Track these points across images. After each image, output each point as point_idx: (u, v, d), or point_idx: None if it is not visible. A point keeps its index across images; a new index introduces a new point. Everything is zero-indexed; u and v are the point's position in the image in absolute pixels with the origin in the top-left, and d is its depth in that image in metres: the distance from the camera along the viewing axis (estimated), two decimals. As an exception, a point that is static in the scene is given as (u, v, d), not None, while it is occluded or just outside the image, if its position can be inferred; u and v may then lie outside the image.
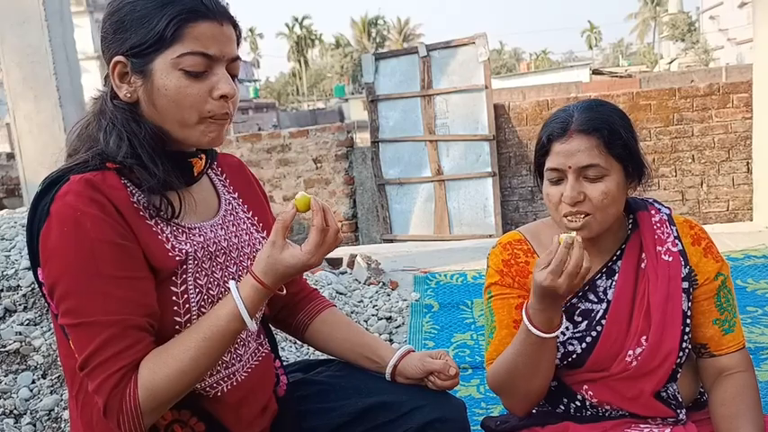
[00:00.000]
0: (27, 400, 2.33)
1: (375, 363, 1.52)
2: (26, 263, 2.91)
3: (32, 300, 2.77)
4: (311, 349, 2.76)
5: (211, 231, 1.35)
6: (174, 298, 1.24)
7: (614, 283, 1.56)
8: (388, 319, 3.55)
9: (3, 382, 2.39)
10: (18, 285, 2.86)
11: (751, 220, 6.31)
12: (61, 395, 2.34)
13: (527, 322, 1.45)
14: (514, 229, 1.71)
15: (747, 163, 7.15)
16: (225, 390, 1.34)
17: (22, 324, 2.67)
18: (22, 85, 4.97)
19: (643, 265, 1.55)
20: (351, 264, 4.37)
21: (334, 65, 72.86)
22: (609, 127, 1.48)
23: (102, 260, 1.15)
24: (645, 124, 7.36)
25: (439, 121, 7.84)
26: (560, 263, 1.36)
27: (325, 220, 1.23)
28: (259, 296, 1.23)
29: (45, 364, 2.46)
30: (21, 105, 4.99)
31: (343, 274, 4.20)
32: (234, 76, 1.29)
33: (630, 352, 1.51)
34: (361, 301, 3.79)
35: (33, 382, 2.41)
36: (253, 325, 1.23)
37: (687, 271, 1.54)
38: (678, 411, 1.54)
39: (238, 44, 1.30)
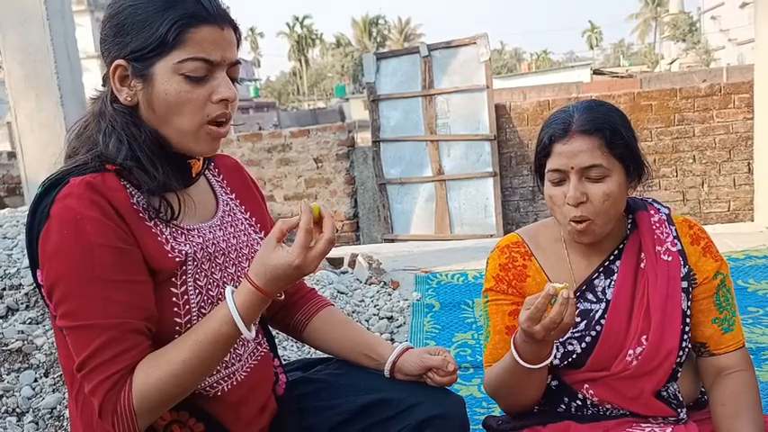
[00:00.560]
0: (29, 399, 2.33)
1: (374, 360, 1.53)
2: (28, 262, 2.91)
3: (35, 298, 2.78)
4: (312, 348, 2.76)
5: (210, 232, 1.35)
6: (174, 299, 1.24)
7: (613, 282, 1.56)
8: (390, 318, 3.55)
9: (5, 381, 2.39)
10: (20, 284, 2.86)
11: (752, 221, 6.31)
12: (63, 394, 2.34)
13: (514, 352, 1.46)
14: (514, 231, 1.72)
15: (748, 163, 7.15)
16: (225, 389, 1.35)
17: (24, 323, 2.67)
18: (24, 83, 4.97)
19: (642, 265, 1.56)
20: (352, 263, 4.37)
21: (334, 64, 72.86)
22: (610, 127, 1.48)
23: (101, 263, 1.15)
24: (646, 124, 7.36)
25: (440, 121, 7.85)
26: (538, 311, 1.36)
27: (321, 225, 1.21)
28: (253, 299, 1.20)
29: (47, 362, 2.47)
30: (22, 104, 5.00)
31: (344, 273, 4.20)
32: (234, 80, 1.29)
33: (631, 351, 1.52)
34: (363, 300, 3.79)
35: (35, 380, 2.42)
36: (246, 331, 1.20)
37: (686, 270, 1.54)
38: (679, 411, 1.54)
39: (238, 47, 1.29)
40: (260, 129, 15.82)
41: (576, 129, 1.48)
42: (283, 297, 1.41)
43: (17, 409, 2.28)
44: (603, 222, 1.50)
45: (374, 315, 3.58)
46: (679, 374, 1.55)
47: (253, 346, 1.43)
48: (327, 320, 1.61)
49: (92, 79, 2.40)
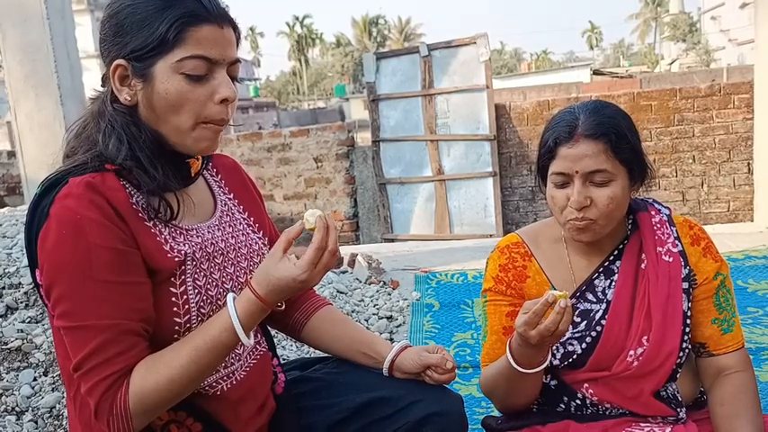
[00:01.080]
0: (29, 398, 2.33)
1: (372, 359, 1.53)
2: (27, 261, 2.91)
3: (34, 297, 2.78)
4: (311, 348, 2.76)
5: (209, 232, 1.35)
6: (173, 299, 1.24)
7: (613, 283, 1.56)
8: (389, 318, 3.55)
9: (5, 380, 2.39)
10: (20, 283, 2.86)
11: (752, 221, 6.31)
12: (62, 393, 2.34)
13: (509, 356, 1.47)
14: (514, 231, 1.71)
15: (748, 163, 7.15)
16: (224, 389, 1.35)
17: (23, 322, 2.67)
18: (24, 83, 4.97)
19: (643, 266, 1.56)
20: (351, 263, 4.37)
21: (334, 64, 72.85)
22: (616, 131, 1.47)
23: (99, 264, 1.15)
24: (645, 125, 7.36)
25: (440, 121, 7.84)
26: (536, 317, 1.36)
27: (327, 239, 1.22)
28: (253, 308, 1.21)
29: (47, 361, 2.47)
30: (22, 103, 5.00)
31: (343, 273, 4.20)
32: (233, 79, 1.29)
33: (632, 352, 1.52)
34: (362, 300, 3.79)
35: (35, 379, 2.42)
36: (246, 339, 1.20)
37: (687, 271, 1.54)
38: (678, 410, 1.54)
39: (238, 46, 1.29)
40: (260, 128, 15.82)
41: (582, 132, 1.47)
42: (283, 307, 1.42)
43: (16, 408, 2.28)
44: (606, 224, 1.50)
45: (374, 314, 3.58)
46: (678, 375, 1.55)
47: (252, 345, 1.43)
48: (326, 319, 1.61)
49: (91, 79, 2.40)
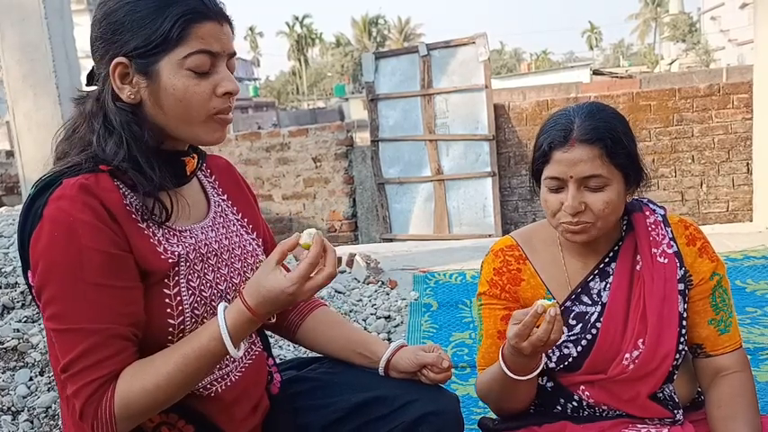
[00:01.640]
0: (24, 398, 2.33)
1: (368, 358, 1.52)
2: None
3: (30, 297, 2.76)
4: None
5: (202, 233, 1.35)
6: (167, 300, 1.24)
7: (608, 285, 1.56)
8: (387, 318, 3.55)
9: (0, 380, 2.39)
10: (16, 282, 2.86)
11: (751, 221, 6.31)
12: (58, 393, 2.34)
13: (502, 364, 1.46)
14: (510, 233, 1.71)
15: (747, 164, 7.15)
16: (219, 390, 1.34)
17: (20, 321, 2.67)
18: (22, 82, 4.96)
19: (638, 267, 1.55)
20: (350, 263, 4.37)
21: (334, 64, 72.88)
22: (612, 135, 1.46)
23: (90, 268, 1.15)
24: (645, 125, 7.36)
25: (439, 121, 7.84)
26: (526, 329, 1.36)
27: (325, 259, 1.21)
28: (242, 318, 1.20)
29: (43, 361, 2.46)
30: (20, 103, 4.99)
31: (342, 273, 4.20)
32: (231, 72, 1.30)
33: (627, 355, 1.51)
34: (360, 300, 3.79)
35: (31, 379, 2.41)
36: (234, 350, 1.19)
37: (682, 272, 1.53)
38: (675, 412, 1.54)
39: (232, 40, 1.31)
40: (259, 128, 15.83)
41: (577, 137, 1.45)
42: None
43: (12, 408, 2.28)
44: (601, 226, 1.49)
45: (372, 314, 3.57)
46: (675, 376, 1.54)
47: (247, 345, 1.43)
48: (321, 320, 1.60)
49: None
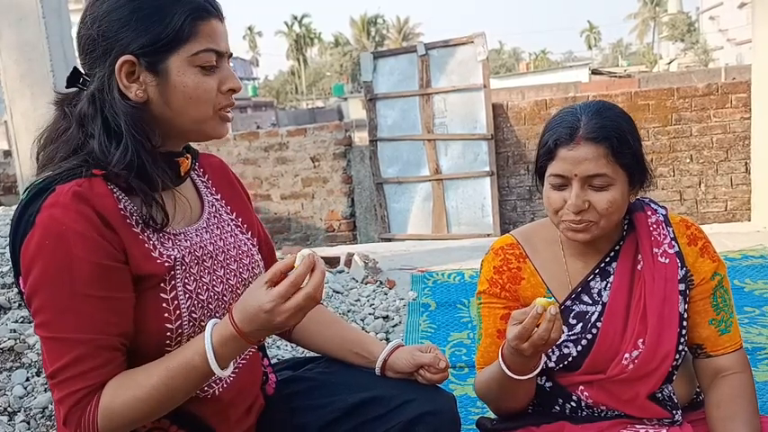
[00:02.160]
0: (21, 398, 2.32)
1: (364, 358, 1.52)
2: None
3: (26, 298, 2.76)
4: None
5: (197, 236, 1.34)
6: (164, 305, 1.23)
7: (609, 284, 1.55)
8: (385, 318, 3.54)
9: (-3, 380, 2.38)
10: (13, 283, 2.85)
11: (749, 221, 6.32)
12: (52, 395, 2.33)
13: (502, 364, 1.46)
14: (509, 232, 1.69)
15: (746, 163, 7.15)
16: (216, 392, 1.34)
17: (16, 321, 2.66)
18: (20, 82, 4.95)
19: (639, 267, 1.54)
20: (348, 262, 4.36)
21: (333, 63, 72.91)
22: (618, 135, 1.45)
23: (81, 277, 1.14)
24: (643, 124, 7.35)
25: (437, 120, 7.83)
26: (526, 331, 1.35)
27: (309, 280, 1.16)
28: (227, 334, 1.16)
29: (39, 361, 2.45)
30: (18, 103, 4.98)
31: (340, 272, 4.20)
32: None
33: (627, 355, 1.50)
34: (358, 299, 3.78)
35: (27, 379, 2.40)
36: (216, 366, 1.16)
37: (683, 273, 1.52)
38: (674, 412, 1.53)
39: None
40: (258, 128, 15.82)
41: (583, 135, 1.44)
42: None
43: (8, 409, 2.27)
44: (605, 225, 1.48)
45: (370, 314, 3.57)
46: (675, 377, 1.54)
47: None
48: (317, 319, 1.59)
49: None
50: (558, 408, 1.60)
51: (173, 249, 1.26)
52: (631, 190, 1.51)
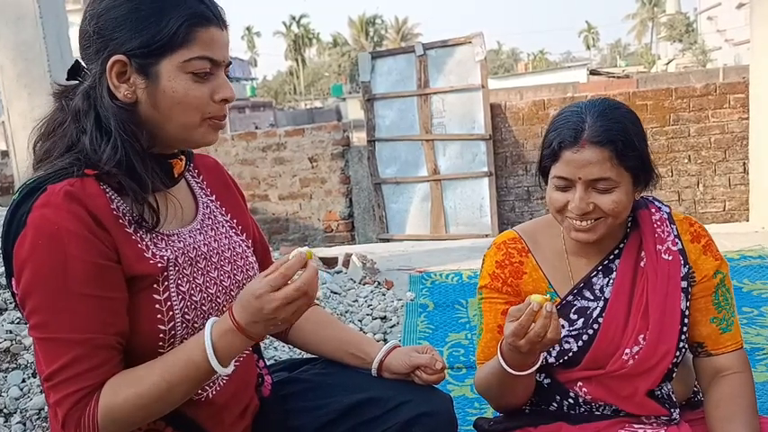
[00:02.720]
0: (17, 399, 2.31)
1: (361, 359, 1.51)
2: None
3: (22, 299, 2.75)
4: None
5: (190, 237, 1.33)
6: (157, 306, 1.22)
7: (611, 281, 1.54)
8: (383, 318, 3.54)
9: (-7, 381, 2.37)
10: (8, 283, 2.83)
11: (747, 221, 6.32)
12: (45, 398, 2.32)
13: (501, 360, 1.45)
14: (512, 228, 1.68)
15: (744, 163, 7.15)
16: (210, 395, 1.33)
17: (12, 322, 2.65)
18: (17, 82, 4.94)
19: (642, 264, 1.54)
20: (346, 263, 4.36)
21: (331, 64, 72.95)
22: (623, 138, 1.43)
23: (75, 277, 1.13)
24: (641, 124, 7.34)
25: (435, 121, 7.83)
26: (523, 328, 1.35)
27: (303, 275, 1.16)
28: (226, 327, 1.17)
29: (35, 363, 2.44)
30: (15, 103, 4.97)
31: (338, 273, 4.19)
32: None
33: (627, 350, 1.50)
34: (356, 300, 3.77)
35: (23, 381, 2.39)
36: (214, 358, 1.16)
37: (686, 270, 1.52)
38: (672, 411, 1.53)
39: None
40: (256, 128, 15.80)
41: (588, 138, 1.42)
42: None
43: (4, 410, 2.26)
44: (610, 224, 1.47)
45: (368, 315, 3.56)
46: (674, 375, 1.53)
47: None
48: (313, 320, 1.59)
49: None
50: (556, 405, 1.59)
51: (166, 250, 1.26)
52: (636, 189, 1.50)
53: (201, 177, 1.47)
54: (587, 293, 1.56)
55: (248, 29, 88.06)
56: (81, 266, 1.13)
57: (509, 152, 7.76)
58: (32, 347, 2.49)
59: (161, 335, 1.22)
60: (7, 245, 1.18)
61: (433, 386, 1.47)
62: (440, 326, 3.41)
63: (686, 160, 7.39)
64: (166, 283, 1.24)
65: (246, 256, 1.43)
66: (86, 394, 1.14)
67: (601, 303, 1.54)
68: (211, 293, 1.32)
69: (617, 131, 1.43)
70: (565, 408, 1.58)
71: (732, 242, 4.49)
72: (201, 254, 1.33)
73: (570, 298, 1.56)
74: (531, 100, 8.09)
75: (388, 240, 7.49)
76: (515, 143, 7.73)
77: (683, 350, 1.52)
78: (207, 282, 1.32)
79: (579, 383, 1.55)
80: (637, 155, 1.45)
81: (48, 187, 1.16)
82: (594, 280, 1.56)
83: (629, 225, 1.58)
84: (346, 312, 3.55)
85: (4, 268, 2.83)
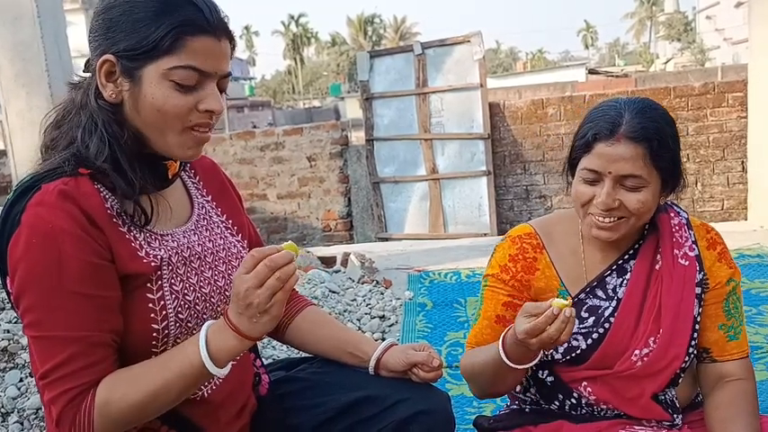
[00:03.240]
0: (14, 399, 2.31)
1: (358, 358, 1.51)
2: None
3: (19, 299, 2.74)
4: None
5: (184, 237, 1.32)
6: (150, 305, 1.22)
7: (626, 281, 1.53)
8: (382, 317, 3.54)
9: (-10, 381, 2.37)
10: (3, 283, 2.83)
11: (746, 220, 6.32)
12: (40, 397, 2.32)
13: (501, 352, 1.44)
14: (528, 222, 1.66)
15: (742, 162, 7.15)
16: (206, 394, 1.32)
17: (9, 322, 2.64)
18: (14, 82, 4.93)
19: (657, 267, 1.53)
20: (344, 262, 4.36)
21: (330, 63, 72.98)
22: (659, 137, 1.41)
23: (69, 276, 1.12)
24: (640, 123, 7.35)
25: (434, 120, 7.83)
26: (538, 329, 1.33)
27: (275, 257, 1.12)
28: (220, 323, 1.16)
29: (30, 362, 2.44)
30: (13, 102, 4.96)
31: (336, 272, 4.19)
32: (222, 90, 1.26)
33: (637, 351, 1.49)
34: (355, 299, 3.77)
35: (21, 380, 2.39)
36: (205, 351, 1.14)
37: (701, 276, 1.51)
38: (675, 416, 1.53)
39: (231, 58, 1.27)
40: (254, 127, 15.80)
41: (624, 133, 1.40)
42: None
43: (2, 410, 2.26)
44: (633, 223, 1.46)
45: (366, 314, 3.56)
46: (680, 380, 1.52)
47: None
48: (310, 319, 1.59)
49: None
50: (558, 404, 1.58)
51: (159, 250, 1.25)
52: (663, 193, 1.49)
53: (198, 178, 1.47)
54: (600, 292, 1.55)
55: (247, 28, 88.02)
56: (75, 265, 1.13)
57: (507, 151, 7.76)
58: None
59: (154, 334, 1.21)
60: (1, 244, 1.18)
61: (431, 384, 1.46)
62: (438, 325, 3.41)
63: (684, 159, 7.27)
64: (160, 282, 1.23)
65: (241, 257, 1.42)
66: (82, 392, 1.13)
67: (613, 303, 1.53)
68: (205, 293, 1.31)
69: (653, 130, 1.41)
70: (566, 408, 1.58)
71: (730, 241, 4.45)
72: (196, 254, 1.32)
73: (582, 296, 1.55)
74: (530, 99, 8.09)
75: (386, 239, 7.49)
76: (514, 142, 7.73)
77: (692, 355, 1.51)
78: (201, 281, 1.31)
79: (584, 383, 1.54)
80: (669, 157, 1.43)
81: (42, 186, 1.16)
82: (608, 279, 1.55)
83: (647, 227, 1.57)
84: (345, 311, 3.55)
85: None
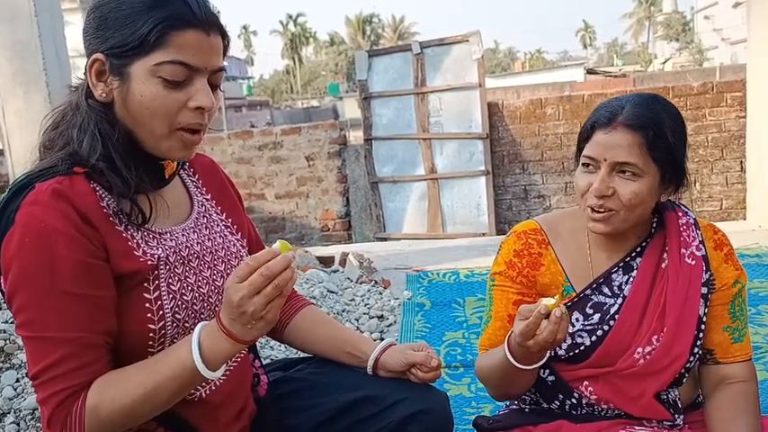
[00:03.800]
0: (11, 399, 2.30)
1: (356, 357, 1.50)
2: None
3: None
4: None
5: (183, 236, 1.31)
6: (147, 305, 1.21)
7: (631, 279, 1.53)
8: (380, 317, 3.53)
9: (-14, 381, 2.35)
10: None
11: (744, 219, 6.32)
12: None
13: (508, 353, 1.43)
14: (533, 218, 1.66)
15: (741, 162, 7.15)
16: (203, 395, 1.31)
17: (5, 322, 2.63)
18: (12, 81, 4.92)
19: (663, 265, 1.52)
20: (343, 262, 4.35)
21: (328, 63, 72.98)
22: (656, 127, 1.41)
23: (62, 276, 1.12)
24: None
25: (432, 119, 7.82)
26: (530, 330, 1.34)
27: (271, 265, 1.09)
28: (214, 326, 1.13)
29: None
30: (10, 102, 4.95)
31: (334, 272, 4.18)
32: (216, 86, 1.24)
33: (639, 349, 1.48)
34: (353, 299, 3.76)
35: (17, 380, 2.38)
36: (197, 351, 1.12)
37: (707, 276, 1.51)
38: (676, 416, 1.52)
39: (225, 54, 1.25)
40: (252, 127, 15.79)
41: (621, 121, 1.42)
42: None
43: (-2, 410, 2.25)
44: (626, 217, 1.45)
45: (365, 314, 3.55)
46: (684, 381, 1.52)
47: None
48: (308, 319, 1.58)
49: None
50: (558, 403, 1.58)
51: (157, 248, 1.24)
52: (663, 188, 1.48)
53: (197, 176, 1.46)
54: (605, 290, 1.54)
55: (245, 27, 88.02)
56: (68, 265, 1.12)
57: (506, 151, 7.76)
58: (26, 347, 2.49)
59: (151, 334, 1.20)
60: None
61: (429, 384, 1.46)
62: (437, 325, 3.40)
63: (684, 159, 7.38)
64: (157, 281, 1.22)
65: (241, 256, 1.42)
66: (72, 393, 1.12)
67: (619, 301, 1.52)
68: (203, 293, 1.30)
69: (651, 120, 1.42)
70: (567, 408, 1.57)
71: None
72: (194, 253, 1.31)
73: (588, 292, 1.54)
74: (528, 99, 8.08)
75: (385, 239, 7.48)
76: (512, 142, 7.72)
77: (697, 356, 1.51)
78: (199, 281, 1.30)
79: (585, 383, 1.54)
80: (667, 148, 1.43)
81: (36, 185, 1.15)
82: (614, 276, 1.54)
83: (654, 225, 1.57)
84: (343, 311, 3.55)
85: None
